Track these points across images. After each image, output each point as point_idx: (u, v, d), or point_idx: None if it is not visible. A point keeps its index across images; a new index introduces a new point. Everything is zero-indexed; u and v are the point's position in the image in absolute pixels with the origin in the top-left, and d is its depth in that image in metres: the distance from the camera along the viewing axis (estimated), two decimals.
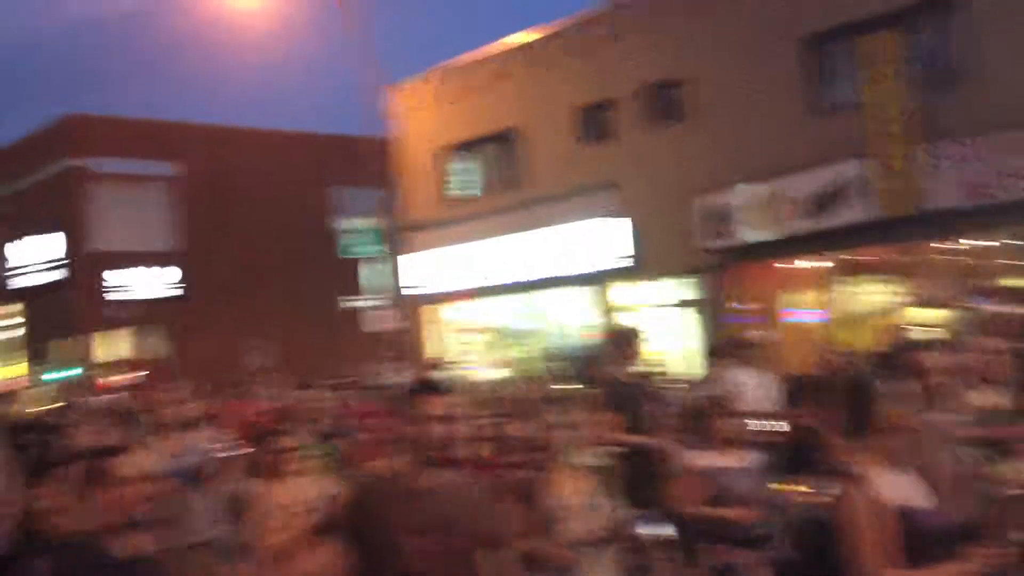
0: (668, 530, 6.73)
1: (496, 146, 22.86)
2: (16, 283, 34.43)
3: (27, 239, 33.70)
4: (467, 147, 23.43)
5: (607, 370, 9.29)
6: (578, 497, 5.90)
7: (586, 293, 20.47)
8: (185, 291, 32.62)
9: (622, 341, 9.53)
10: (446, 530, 4.08)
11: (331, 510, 5.07)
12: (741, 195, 17.14)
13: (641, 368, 10.01)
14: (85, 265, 31.52)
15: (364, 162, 21.32)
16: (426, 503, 4.14)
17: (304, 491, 6.13)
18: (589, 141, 20.59)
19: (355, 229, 24.85)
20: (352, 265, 24.42)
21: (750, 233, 17.10)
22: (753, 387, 9.66)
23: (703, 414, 6.98)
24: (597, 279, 20.01)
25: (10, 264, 34.79)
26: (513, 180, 22.15)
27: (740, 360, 10.27)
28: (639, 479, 7.46)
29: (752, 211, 17.03)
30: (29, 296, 34.22)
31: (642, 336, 9.69)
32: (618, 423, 8.34)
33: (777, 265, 17.84)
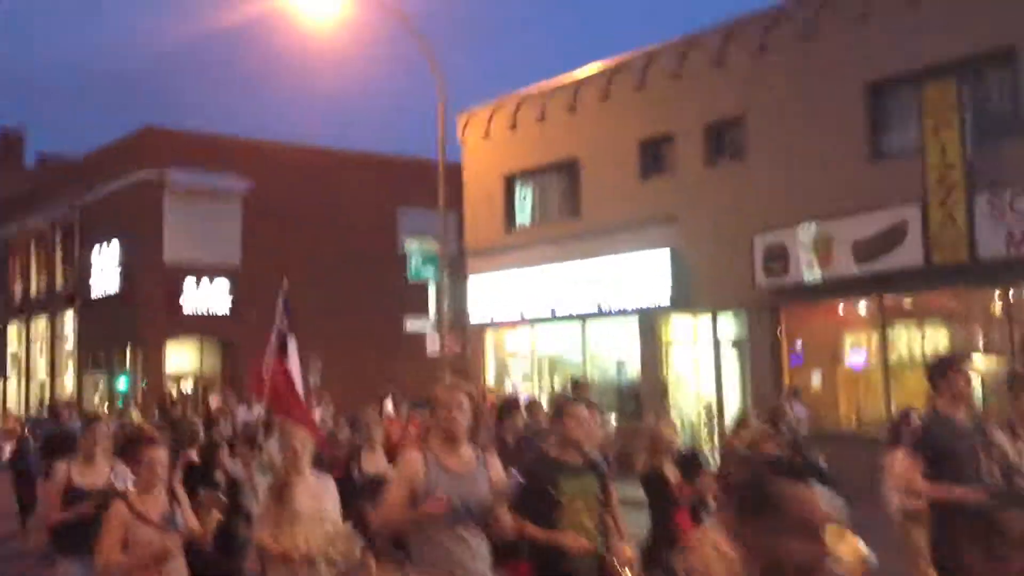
0: None
1: (559, 175, 23.27)
2: (87, 290, 35.44)
3: (100, 247, 34.70)
4: (531, 175, 23.88)
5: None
6: None
7: (637, 325, 20.72)
8: (244, 307, 33.26)
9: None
10: None
11: None
12: (800, 235, 17.31)
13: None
14: (154, 275, 32.37)
15: (430, 185, 21.74)
16: None
17: None
18: (649, 175, 20.90)
19: (420, 252, 25.29)
20: (419, 288, 24.83)
21: (807, 273, 17.25)
22: None
23: None
24: (649, 311, 20.27)
25: (83, 271, 35.83)
26: (574, 209, 22.53)
27: None
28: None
29: (810, 251, 17.19)
30: (96, 303, 35.16)
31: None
32: None
33: (832, 306, 17.97)
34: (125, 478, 6.73)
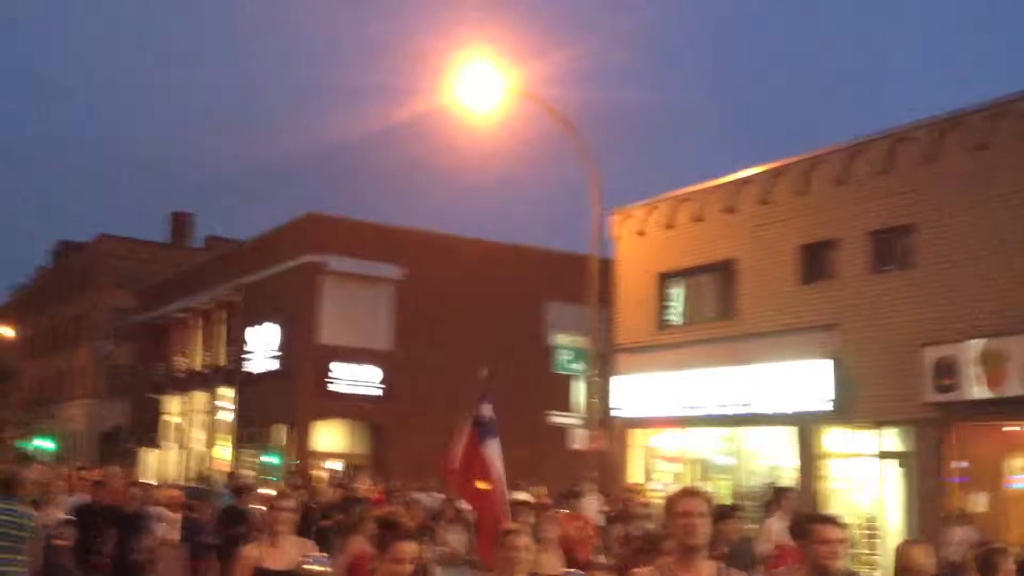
0: None
1: (714, 277, 23.01)
2: (245, 367, 36.68)
3: (260, 327, 35.96)
4: (686, 275, 23.69)
5: None
6: None
7: (793, 434, 20.10)
8: (393, 391, 33.80)
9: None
10: None
11: None
12: (971, 350, 16.59)
13: None
14: (309, 356, 33.28)
15: (579, 280, 21.82)
16: None
17: None
18: (810, 281, 20.45)
19: (567, 346, 25.31)
20: (563, 381, 24.81)
21: (977, 390, 16.49)
22: None
23: None
24: (806, 420, 19.64)
25: (243, 349, 37.15)
26: (728, 312, 22.19)
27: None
28: None
29: (981, 367, 16.45)
30: (254, 380, 36.32)
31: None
32: None
33: (1004, 427, 17.09)
34: (320, 560, 6.67)
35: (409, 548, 5.15)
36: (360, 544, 8.13)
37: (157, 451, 45.05)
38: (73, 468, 26.67)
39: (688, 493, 4.88)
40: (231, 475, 18.35)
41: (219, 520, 14.60)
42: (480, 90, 20.45)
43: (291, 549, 6.94)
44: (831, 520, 5.14)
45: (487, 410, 9.17)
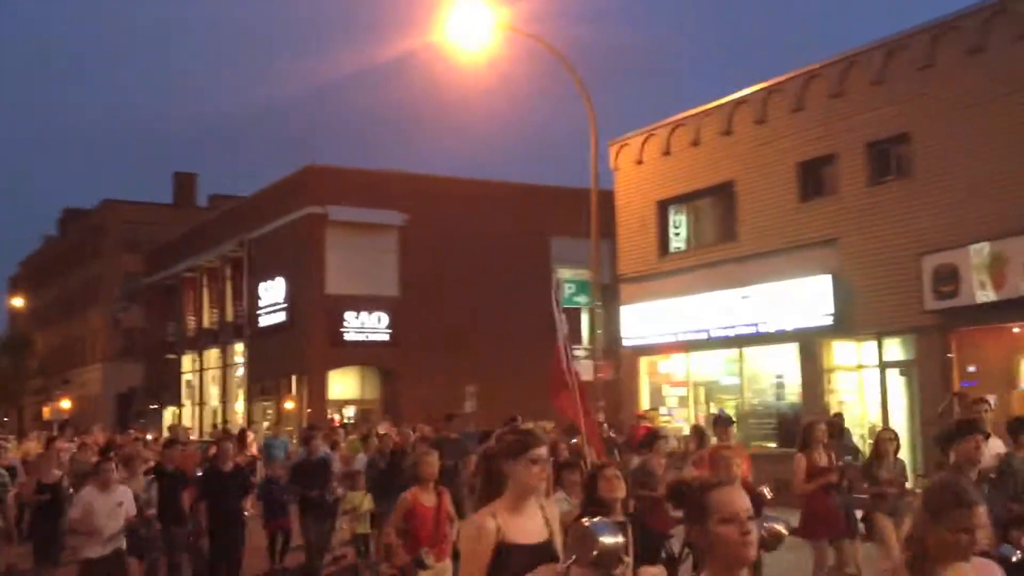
0: None
1: (714, 200, 22.92)
2: (255, 321, 36.84)
3: (266, 281, 36.07)
4: (685, 200, 23.60)
5: None
6: None
7: (797, 350, 20.14)
8: (402, 336, 33.92)
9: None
10: None
11: None
12: (972, 255, 16.52)
13: None
14: (318, 307, 33.39)
15: (582, 214, 21.73)
16: None
17: None
18: (808, 198, 20.35)
19: (570, 280, 25.34)
20: (570, 316, 24.88)
21: (980, 294, 16.44)
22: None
23: None
24: (809, 336, 19.66)
25: (251, 304, 37.29)
26: (730, 234, 22.12)
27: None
28: None
29: (982, 271, 16.39)
30: (263, 334, 36.49)
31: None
32: None
33: (1007, 328, 17.07)
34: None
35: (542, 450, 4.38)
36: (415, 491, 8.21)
37: (173, 409, 45.44)
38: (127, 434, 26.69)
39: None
40: (310, 427, 17.51)
41: (294, 475, 13.50)
42: (470, 27, 20.29)
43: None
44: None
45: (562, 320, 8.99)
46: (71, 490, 12.53)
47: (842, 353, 19.72)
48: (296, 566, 13.70)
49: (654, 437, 11.58)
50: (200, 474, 12.58)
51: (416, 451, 11.39)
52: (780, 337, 20.18)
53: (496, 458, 4.45)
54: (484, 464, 4.69)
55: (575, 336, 24.55)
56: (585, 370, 21.75)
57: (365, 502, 13.68)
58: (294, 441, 23.43)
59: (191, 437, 29.14)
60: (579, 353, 23.07)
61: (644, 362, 23.99)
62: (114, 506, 9.70)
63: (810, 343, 19.73)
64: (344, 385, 35.23)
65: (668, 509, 9.29)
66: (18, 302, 76.10)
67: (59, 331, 70.38)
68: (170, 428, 32.22)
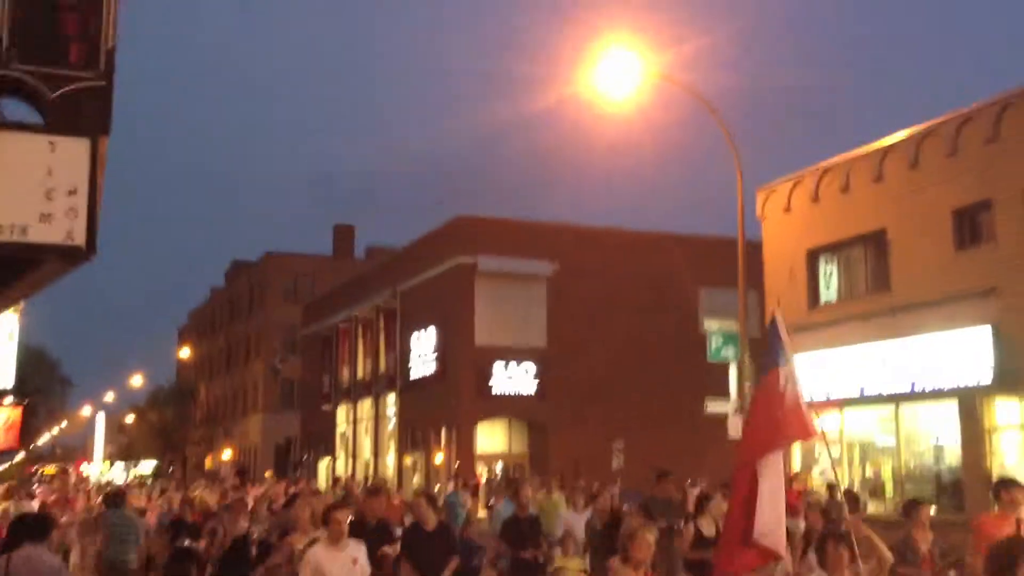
0: None
1: (866, 249, 22.17)
2: (407, 372, 37.45)
3: (419, 332, 36.67)
4: (835, 249, 22.92)
5: None
6: None
7: (956, 408, 19.15)
8: (549, 388, 33.85)
9: None
10: None
11: None
12: None
13: None
14: (467, 358, 33.70)
15: (733, 264, 21.35)
16: None
17: None
18: (964, 246, 19.48)
19: (720, 332, 24.85)
20: (721, 369, 24.38)
21: None
22: None
23: None
24: (969, 393, 18.68)
25: (403, 354, 37.96)
26: (882, 285, 21.34)
27: None
28: None
29: None
30: (415, 385, 37.01)
31: None
32: None
33: None
34: None
35: None
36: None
37: (328, 460, 46.49)
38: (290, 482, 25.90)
39: None
40: (510, 480, 15.80)
41: (504, 534, 11.92)
42: (618, 77, 20.25)
43: None
44: None
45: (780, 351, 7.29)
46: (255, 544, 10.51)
47: (1005, 411, 18.65)
48: None
49: (706, 500, 11.01)
50: (401, 531, 10.95)
51: (629, 523, 9.75)
52: (938, 395, 19.26)
53: None
54: None
55: (721, 389, 24.03)
56: (734, 427, 21.26)
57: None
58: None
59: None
60: (728, 409, 22.55)
61: None
62: (349, 564, 8.17)
63: (970, 400, 18.74)
64: (492, 438, 35.31)
65: None
66: (185, 353, 79.53)
67: (222, 382, 73.07)
68: (352, 480, 32.06)
